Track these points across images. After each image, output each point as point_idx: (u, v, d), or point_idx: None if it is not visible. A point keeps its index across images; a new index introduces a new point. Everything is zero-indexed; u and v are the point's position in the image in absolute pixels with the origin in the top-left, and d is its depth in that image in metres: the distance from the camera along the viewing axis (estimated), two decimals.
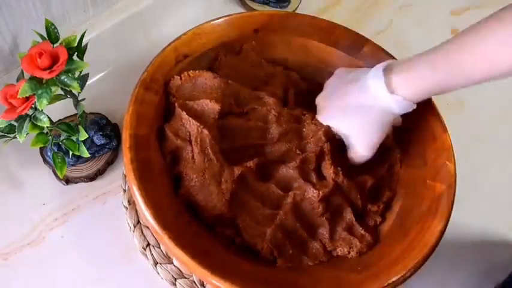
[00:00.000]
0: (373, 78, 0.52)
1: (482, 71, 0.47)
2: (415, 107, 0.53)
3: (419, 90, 0.51)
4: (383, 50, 0.62)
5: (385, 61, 0.54)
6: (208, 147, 0.53)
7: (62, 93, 0.53)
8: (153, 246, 0.58)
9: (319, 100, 0.58)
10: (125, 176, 0.60)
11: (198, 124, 0.53)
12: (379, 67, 0.53)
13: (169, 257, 0.57)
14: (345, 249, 0.53)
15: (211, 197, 0.51)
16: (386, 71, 0.52)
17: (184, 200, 0.52)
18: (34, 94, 0.49)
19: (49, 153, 0.60)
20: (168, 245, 0.47)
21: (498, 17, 0.45)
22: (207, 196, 0.51)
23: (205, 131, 0.53)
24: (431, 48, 0.50)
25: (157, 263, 0.57)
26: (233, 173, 0.52)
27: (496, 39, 0.45)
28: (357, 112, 0.54)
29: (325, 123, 0.56)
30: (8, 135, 0.52)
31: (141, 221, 0.59)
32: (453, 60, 0.48)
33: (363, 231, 0.53)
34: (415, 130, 0.58)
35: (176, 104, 0.55)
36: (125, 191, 0.60)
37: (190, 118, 0.54)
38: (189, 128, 0.54)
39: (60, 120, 0.57)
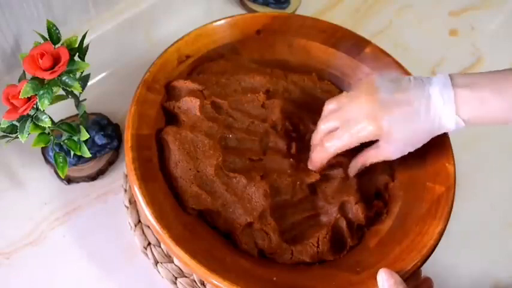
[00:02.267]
0: (441, 101, 0.48)
1: None
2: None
3: (486, 119, 0.49)
4: (384, 51, 0.62)
5: (446, 77, 0.49)
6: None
7: (64, 93, 0.53)
8: (153, 245, 0.58)
9: (370, 106, 0.50)
10: (126, 175, 0.60)
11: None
12: (448, 87, 0.48)
13: (169, 256, 0.57)
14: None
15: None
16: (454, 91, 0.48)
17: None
18: (36, 94, 0.49)
19: (51, 153, 0.60)
20: (168, 244, 0.48)
21: None
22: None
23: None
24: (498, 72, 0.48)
25: (158, 262, 0.57)
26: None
27: None
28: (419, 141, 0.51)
29: (391, 155, 0.52)
30: (10, 135, 0.52)
31: (141, 221, 0.59)
32: None
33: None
34: None
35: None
36: (125, 190, 0.60)
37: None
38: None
39: (61, 120, 0.57)
